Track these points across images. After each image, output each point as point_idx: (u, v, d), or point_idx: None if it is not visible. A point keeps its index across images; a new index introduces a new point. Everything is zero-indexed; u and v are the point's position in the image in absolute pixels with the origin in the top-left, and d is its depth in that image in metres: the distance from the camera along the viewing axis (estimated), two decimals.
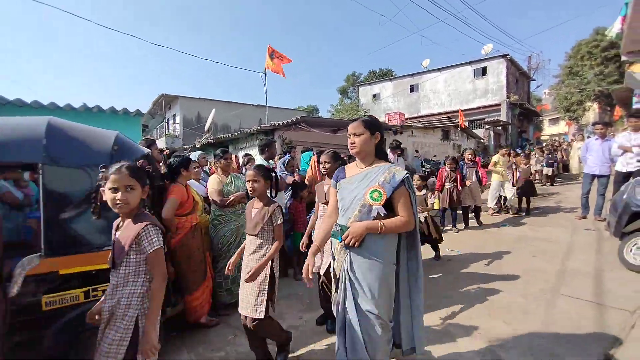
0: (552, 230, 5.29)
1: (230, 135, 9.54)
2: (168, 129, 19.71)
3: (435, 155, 12.33)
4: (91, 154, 2.14)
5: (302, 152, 5.99)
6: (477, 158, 6.41)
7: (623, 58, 9.88)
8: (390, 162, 1.77)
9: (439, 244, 4.24)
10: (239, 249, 2.31)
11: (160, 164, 3.83)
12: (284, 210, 3.94)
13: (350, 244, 1.58)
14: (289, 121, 7.45)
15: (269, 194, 2.29)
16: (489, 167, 6.68)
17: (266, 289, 2.02)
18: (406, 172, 1.66)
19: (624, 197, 3.76)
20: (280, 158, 5.22)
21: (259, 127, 7.98)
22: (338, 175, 1.82)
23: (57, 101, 5.03)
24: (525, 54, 36.64)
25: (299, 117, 7.62)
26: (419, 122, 14.37)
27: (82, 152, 2.12)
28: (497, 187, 6.54)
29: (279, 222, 2.08)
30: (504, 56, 18.45)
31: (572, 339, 2.34)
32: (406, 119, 14.17)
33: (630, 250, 3.52)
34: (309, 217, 4.16)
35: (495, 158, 6.60)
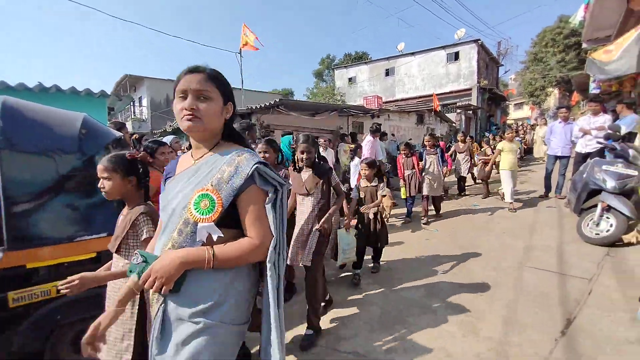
0: (519, 208, 5.65)
1: None
2: (134, 112, 18.53)
3: (411, 139, 12.59)
4: (55, 138, 1.95)
5: (281, 135, 5.89)
6: (441, 143, 6.32)
7: (584, 45, 10.46)
8: (247, 146, 1.14)
9: (381, 250, 3.43)
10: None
11: (131, 149, 3.61)
12: None
13: (154, 290, 0.94)
14: (267, 104, 7.24)
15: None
16: (494, 157, 5.95)
17: None
18: (257, 160, 1.02)
19: (584, 176, 4.07)
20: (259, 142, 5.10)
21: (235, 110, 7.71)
22: (168, 172, 1.19)
23: (6, 80, 4.53)
24: (495, 40, 37.94)
25: (277, 100, 7.42)
26: (395, 106, 14.52)
27: (45, 136, 1.93)
28: (507, 179, 5.51)
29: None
30: (475, 41, 18.86)
31: (539, 306, 2.55)
32: (383, 103, 14.27)
33: (587, 225, 3.85)
34: None
35: (499, 146, 5.76)
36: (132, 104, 18.10)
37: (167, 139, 3.86)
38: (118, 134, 2.36)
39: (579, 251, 3.60)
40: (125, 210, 1.58)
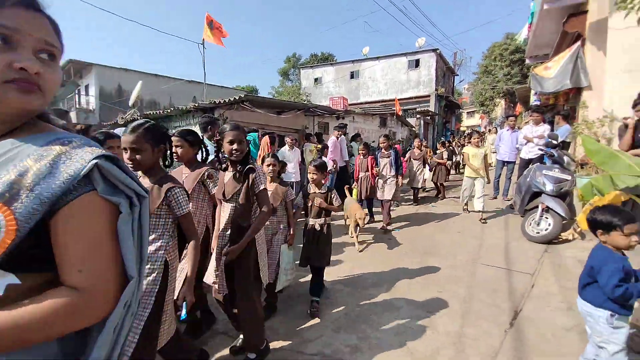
0: (471, 209, 6.05)
1: (161, 111, 8.55)
2: (79, 102, 16.81)
3: (374, 141, 12.97)
4: None
5: (247, 133, 5.70)
6: (397, 146, 6.16)
7: (527, 61, 11.58)
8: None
9: (321, 272, 2.84)
10: None
11: None
12: None
13: None
14: (232, 99, 6.97)
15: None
16: (467, 162, 5.35)
17: None
18: (100, 152, 0.62)
19: (527, 180, 4.48)
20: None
21: (196, 104, 7.30)
22: None
23: None
24: (452, 50, 40.59)
25: (242, 96, 7.17)
26: (360, 108, 14.87)
27: None
28: (470, 187, 5.35)
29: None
30: (434, 50, 20.00)
31: (490, 300, 2.75)
32: (348, 105, 14.52)
33: (530, 225, 4.24)
34: None
35: (466, 150, 5.38)
36: (77, 92, 16.40)
37: (119, 132, 3.53)
38: (61, 121, 2.09)
39: (523, 248, 3.94)
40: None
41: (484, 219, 5.17)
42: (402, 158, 5.96)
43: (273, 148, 4.68)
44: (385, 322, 2.48)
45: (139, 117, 8.90)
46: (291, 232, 2.68)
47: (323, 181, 2.93)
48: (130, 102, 10.64)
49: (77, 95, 16.63)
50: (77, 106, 16.08)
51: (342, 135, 6.73)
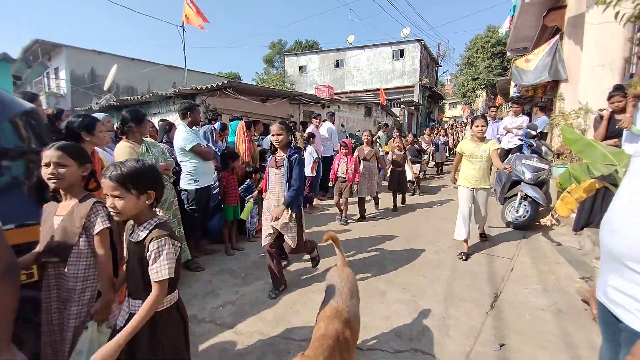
0: (454, 198, 6.23)
1: (139, 97, 8.17)
2: (48, 86, 15.80)
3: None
4: None
5: (230, 120, 5.56)
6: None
7: (508, 54, 11.83)
8: None
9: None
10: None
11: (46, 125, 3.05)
12: (214, 182, 3.64)
13: None
14: (214, 85, 6.74)
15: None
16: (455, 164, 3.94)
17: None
18: None
19: None
20: (203, 126, 4.75)
21: (176, 90, 7.02)
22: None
23: None
24: (436, 41, 40.86)
25: (225, 82, 6.95)
26: (345, 97, 14.80)
27: None
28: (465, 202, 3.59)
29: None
30: (419, 41, 20.07)
31: (472, 284, 2.85)
32: (334, 94, 14.42)
33: (509, 211, 4.41)
34: (241, 190, 3.95)
35: (460, 147, 3.64)
36: (46, 75, 15.39)
37: (98, 117, 3.35)
38: (29, 105, 1.95)
39: (502, 234, 4.11)
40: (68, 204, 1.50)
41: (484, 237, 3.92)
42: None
43: (250, 134, 4.58)
44: (372, 306, 2.52)
45: (115, 103, 8.48)
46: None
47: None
48: (105, 87, 10.11)
49: (45, 79, 15.62)
50: (47, 90, 15.12)
51: (332, 124, 6.68)
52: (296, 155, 2.61)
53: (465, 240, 3.42)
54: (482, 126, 3.38)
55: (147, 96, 7.77)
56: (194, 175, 3.27)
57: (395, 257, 3.51)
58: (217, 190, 3.75)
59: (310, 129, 6.26)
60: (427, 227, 4.55)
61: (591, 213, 3.32)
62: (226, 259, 3.58)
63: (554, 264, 3.21)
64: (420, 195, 6.71)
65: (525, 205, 4.25)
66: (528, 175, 4.25)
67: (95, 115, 3.47)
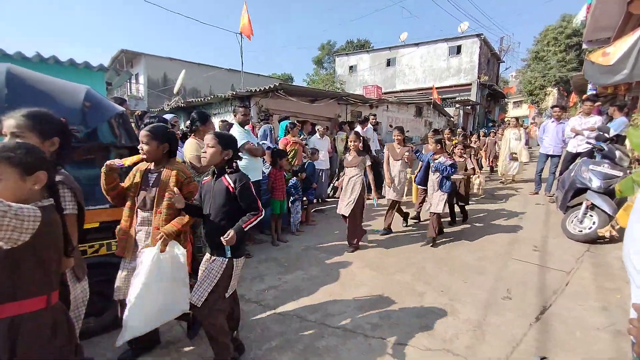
0: (509, 204, 5.82)
1: (202, 99, 9.05)
2: (130, 90, 18.17)
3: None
4: (59, 109, 1.98)
5: (279, 120, 5.91)
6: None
7: (584, 46, 10.51)
8: None
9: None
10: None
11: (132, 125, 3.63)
12: (262, 178, 3.95)
13: None
14: (267, 87, 7.20)
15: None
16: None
17: None
18: None
19: (571, 174, 4.20)
20: (259, 126, 5.16)
21: (234, 92, 7.64)
22: None
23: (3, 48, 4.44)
24: (498, 35, 37.66)
25: (277, 84, 7.37)
26: (395, 97, 14.51)
27: (49, 107, 1.95)
28: None
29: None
30: (478, 35, 18.75)
31: (518, 293, 2.71)
32: (382, 94, 14.23)
33: (572, 222, 4.00)
34: (288, 186, 4.22)
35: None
36: (128, 80, 17.74)
37: (167, 117, 3.88)
38: (120, 108, 2.39)
39: (562, 246, 3.76)
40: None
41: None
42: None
43: (293, 133, 4.92)
44: (407, 304, 2.56)
45: (182, 104, 9.49)
46: None
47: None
48: (175, 90, 11.35)
49: (129, 84, 18.00)
50: (129, 94, 17.41)
51: (369, 125, 6.76)
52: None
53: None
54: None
55: (209, 98, 8.57)
56: (244, 170, 3.61)
57: (436, 259, 3.46)
58: (265, 185, 4.07)
59: (357, 129, 6.38)
60: (475, 232, 4.35)
61: None
62: (272, 248, 3.88)
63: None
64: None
65: (591, 215, 3.83)
66: (596, 183, 3.82)
67: (165, 116, 4.04)
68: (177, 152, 3.24)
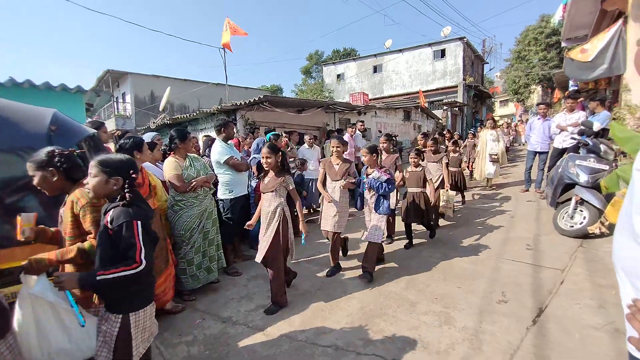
0: (499, 202, 5.80)
1: (188, 115, 8.99)
2: (117, 109, 18.04)
3: (397, 135, 12.71)
4: (23, 135, 1.90)
5: (265, 132, 5.86)
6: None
7: (563, 44, 10.74)
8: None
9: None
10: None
11: (110, 146, 3.53)
12: (249, 192, 3.87)
13: None
14: (251, 100, 7.17)
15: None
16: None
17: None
18: None
19: (559, 170, 4.20)
20: (242, 139, 5.08)
21: (219, 107, 7.59)
22: None
23: None
24: (480, 38, 38.50)
25: (261, 97, 7.35)
26: (383, 102, 14.62)
27: (12, 133, 1.87)
28: None
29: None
30: (461, 39, 19.13)
31: (513, 296, 2.64)
32: (370, 100, 14.34)
33: (563, 218, 3.98)
34: None
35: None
36: (115, 100, 17.63)
37: (148, 136, 3.79)
38: (91, 130, 2.31)
39: (554, 243, 3.72)
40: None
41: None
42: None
43: (278, 144, 4.85)
44: (400, 316, 2.47)
45: (168, 121, 9.41)
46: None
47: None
48: (161, 107, 11.28)
49: (115, 103, 17.88)
50: (116, 113, 17.27)
51: (357, 131, 6.74)
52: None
53: None
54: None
55: (195, 114, 8.50)
56: (228, 186, 3.52)
57: (429, 266, 3.39)
58: (252, 199, 3.98)
59: (345, 137, 6.35)
60: (466, 234, 4.30)
61: None
62: (261, 265, 3.75)
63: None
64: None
65: (581, 210, 3.82)
66: (584, 178, 3.82)
67: (147, 134, 3.95)
68: (156, 171, 3.17)
